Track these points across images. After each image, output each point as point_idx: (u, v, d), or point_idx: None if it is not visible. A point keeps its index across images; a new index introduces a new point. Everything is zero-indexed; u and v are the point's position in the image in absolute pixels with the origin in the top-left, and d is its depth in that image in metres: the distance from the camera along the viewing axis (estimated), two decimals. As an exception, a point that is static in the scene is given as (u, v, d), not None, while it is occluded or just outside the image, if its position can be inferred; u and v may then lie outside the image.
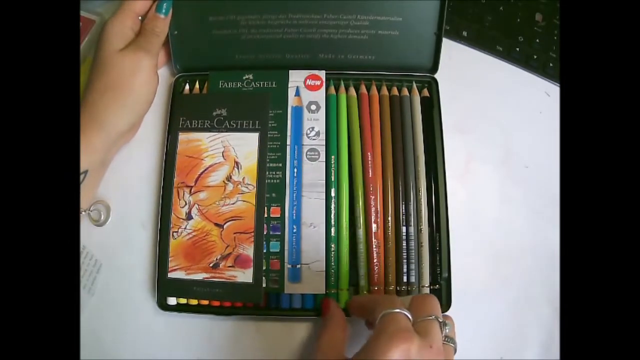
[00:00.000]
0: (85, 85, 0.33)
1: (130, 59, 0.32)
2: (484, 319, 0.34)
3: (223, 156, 0.34)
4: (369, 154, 0.35)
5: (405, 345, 0.23)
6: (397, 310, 0.25)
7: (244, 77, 0.36)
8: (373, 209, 0.34)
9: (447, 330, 0.26)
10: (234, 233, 0.33)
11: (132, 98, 0.32)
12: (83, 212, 0.33)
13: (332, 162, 0.35)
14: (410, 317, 0.25)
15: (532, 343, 0.34)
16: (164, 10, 0.34)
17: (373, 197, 0.34)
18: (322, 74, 0.37)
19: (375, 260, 0.33)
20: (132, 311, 0.34)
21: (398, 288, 0.33)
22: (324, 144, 0.35)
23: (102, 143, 0.32)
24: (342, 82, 0.37)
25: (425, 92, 0.37)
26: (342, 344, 0.29)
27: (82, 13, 0.38)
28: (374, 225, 0.33)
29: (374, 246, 0.33)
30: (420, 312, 0.26)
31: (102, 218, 0.35)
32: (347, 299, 0.32)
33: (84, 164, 0.31)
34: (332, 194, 0.34)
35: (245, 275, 0.32)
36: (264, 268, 0.33)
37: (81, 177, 0.31)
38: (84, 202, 0.33)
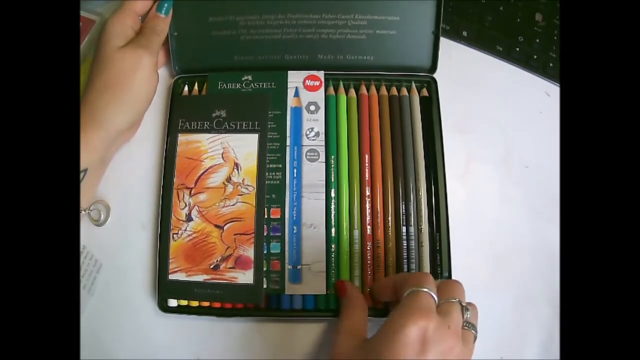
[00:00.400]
0: (85, 84, 0.33)
1: (130, 56, 0.32)
2: (484, 318, 0.33)
3: (223, 157, 0.34)
4: (366, 155, 0.35)
5: (424, 322, 0.23)
6: (424, 289, 0.25)
7: (243, 78, 0.36)
8: (370, 210, 0.34)
9: (468, 315, 0.26)
10: (234, 234, 0.33)
11: (132, 95, 0.32)
12: (83, 212, 0.33)
13: (332, 162, 0.35)
14: (435, 298, 0.25)
15: (532, 343, 0.34)
16: (164, 10, 0.34)
17: (370, 197, 0.34)
18: (320, 74, 0.37)
19: (369, 262, 0.33)
20: (132, 312, 0.34)
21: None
22: (324, 144, 0.35)
23: (101, 141, 0.31)
24: (341, 83, 0.37)
25: (425, 92, 0.37)
26: (363, 325, 0.29)
27: (82, 13, 0.38)
28: (369, 227, 0.33)
29: (367, 247, 0.33)
30: (445, 295, 0.26)
31: (102, 218, 0.35)
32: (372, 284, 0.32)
33: (83, 163, 0.31)
34: (332, 194, 0.34)
35: (245, 277, 0.32)
36: (265, 269, 0.33)
37: (80, 175, 0.31)
38: (83, 201, 0.33)
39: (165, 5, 0.34)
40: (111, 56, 0.32)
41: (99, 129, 0.31)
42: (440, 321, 0.24)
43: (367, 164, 0.35)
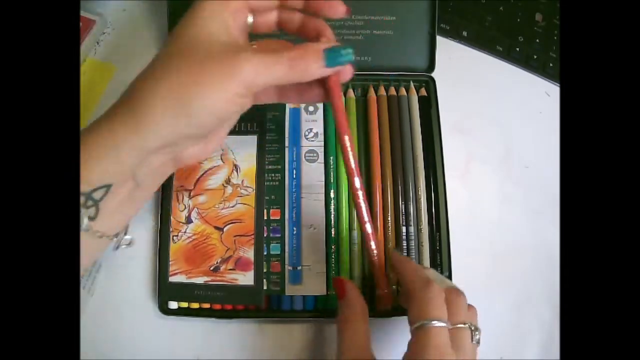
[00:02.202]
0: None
1: (232, 61, 0.22)
2: (484, 319, 0.33)
3: (221, 159, 0.34)
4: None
5: None
6: (436, 324, 0.24)
7: (243, 79, 0.36)
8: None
9: (477, 337, 0.26)
10: (234, 236, 0.33)
11: (202, 104, 0.23)
12: (109, 240, 0.26)
13: (331, 163, 0.35)
14: (447, 326, 0.25)
15: (532, 343, 0.34)
16: (329, 62, 0.24)
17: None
18: (320, 75, 0.37)
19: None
20: (132, 314, 0.33)
21: (399, 288, 0.33)
22: (323, 145, 0.35)
23: (133, 151, 0.23)
24: (339, 83, 0.37)
25: (423, 92, 0.37)
26: (367, 340, 0.26)
27: (82, 13, 0.38)
28: (368, 226, 0.33)
29: (372, 248, 0.33)
30: (456, 317, 0.25)
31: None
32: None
33: (100, 172, 0.23)
34: (332, 195, 0.34)
35: (246, 278, 0.32)
36: (265, 270, 0.33)
37: (100, 192, 0.24)
38: (108, 227, 0.25)
39: (331, 56, 0.24)
40: (203, 47, 0.23)
41: (135, 132, 0.23)
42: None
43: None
